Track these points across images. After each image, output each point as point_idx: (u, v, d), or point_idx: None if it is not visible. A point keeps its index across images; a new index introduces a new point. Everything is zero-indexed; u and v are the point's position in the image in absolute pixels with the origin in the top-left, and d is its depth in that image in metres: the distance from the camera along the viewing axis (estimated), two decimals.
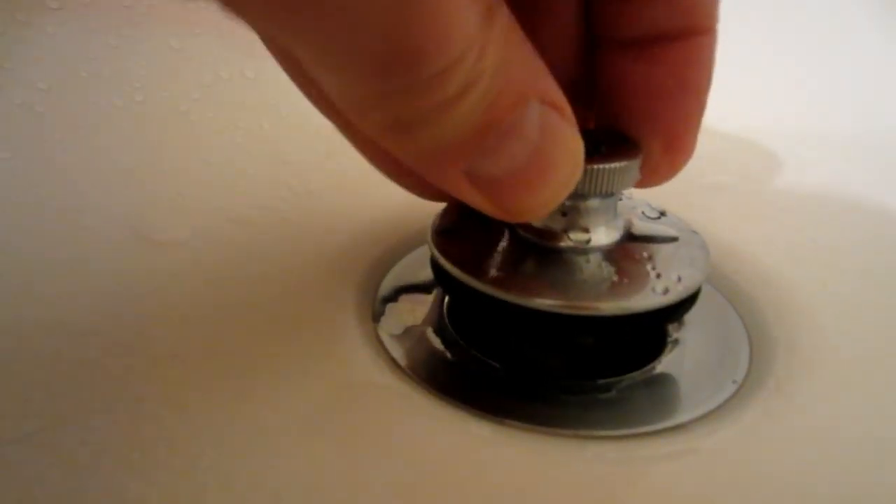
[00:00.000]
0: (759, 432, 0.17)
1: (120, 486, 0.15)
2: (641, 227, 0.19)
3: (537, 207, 0.15)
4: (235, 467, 0.16)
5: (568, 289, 0.17)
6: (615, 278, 0.17)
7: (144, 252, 0.21)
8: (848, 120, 0.30)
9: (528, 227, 0.18)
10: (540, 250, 0.18)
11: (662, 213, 0.20)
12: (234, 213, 0.23)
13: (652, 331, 0.20)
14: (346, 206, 0.23)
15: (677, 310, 0.18)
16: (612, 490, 0.16)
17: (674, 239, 0.19)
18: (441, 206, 0.20)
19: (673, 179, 0.18)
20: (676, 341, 0.20)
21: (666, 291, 0.17)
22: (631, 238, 0.19)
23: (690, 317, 0.20)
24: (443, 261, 0.18)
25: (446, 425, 0.17)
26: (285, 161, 0.25)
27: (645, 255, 0.18)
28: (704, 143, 0.28)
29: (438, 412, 0.18)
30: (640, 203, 0.20)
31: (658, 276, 0.17)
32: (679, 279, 0.17)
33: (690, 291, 0.17)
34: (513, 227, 0.19)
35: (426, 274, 0.20)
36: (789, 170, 0.27)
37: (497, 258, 0.18)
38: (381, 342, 0.19)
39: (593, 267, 0.18)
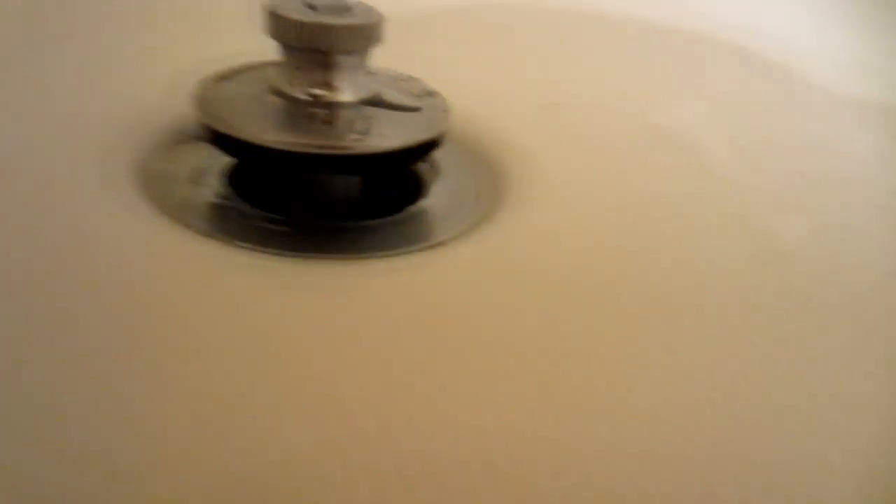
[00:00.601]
0: (496, 243, 0.21)
1: None
2: (393, 97, 0.22)
3: None
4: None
5: (300, 133, 0.20)
6: (337, 129, 0.20)
7: None
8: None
9: (282, 82, 0.21)
10: (287, 102, 0.21)
11: (431, 94, 0.23)
12: None
13: (406, 181, 0.23)
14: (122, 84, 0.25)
15: (370, 160, 0.20)
16: (378, 294, 0.19)
17: (416, 109, 0.22)
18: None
19: None
20: (431, 188, 0.23)
21: (361, 143, 0.20)
22: (375, 103, 0.22)
23: (443, 169, 0.23)
24: (199, 113, 0.20)
25: (213, 257, 0.19)
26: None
27: (370, 115, 0.21)
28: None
29: (206, 249, 0.19)
30: (413, 80, 0.23)
31: (366, 131, 0.20)
32: (381, 135, 0.20)
33: (382, 149, 0.20)
34: (272, 85, 0.21)
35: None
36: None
37: (250, 108, 0.21)
38: (153, 198, 0.21)
39: (324, 117, 0.20)
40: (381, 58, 0.22)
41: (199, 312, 0.18)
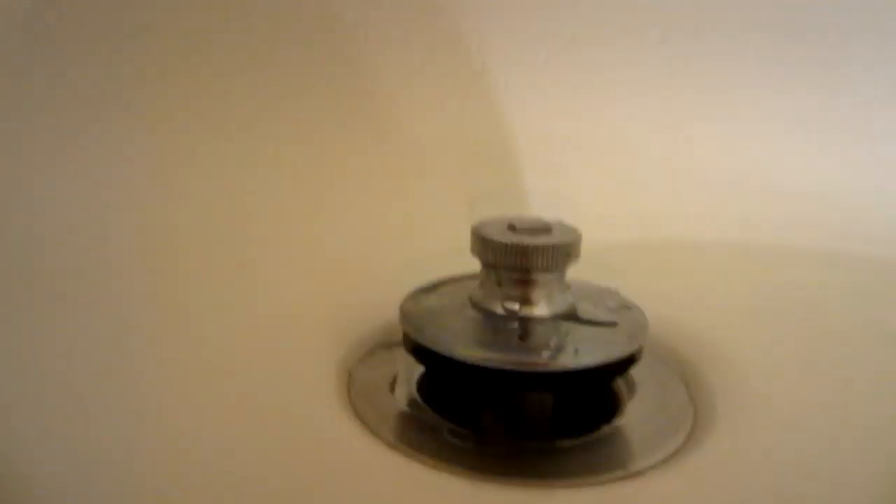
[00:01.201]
0: (705, 475, 0.19)
1: None
2: (589, 312, 0.22)
3: None
4: None
5: (493, 348, 0.20)
6: (530, 344, 0.20)
7: None
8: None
9: (481, 296, 0.22)
10: (484, 316, 0.21)
11: (628, 307, 0.23)
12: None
13: (600, 397, 0.22)
14: (330, 285, 0.27)
15: (563, 378, 0.20)
16: None
17: (613, 324, 0.22)
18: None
19: None
20: (627, 405, 0.22)
21: (555, 359, 0.20)
22: (571, 318, 0.21)
23: (641, 384, 0.22)
24: (402, 323, 0.21)
25: (417, 482, 0.19)
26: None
27: (564, 331, 0.21)
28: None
29: (388, 461, 0.19)
30: (610, 293, 0.23)
31: (560, 348, 0.20)
32: (576, 352, 0.20)
33: (577, 367, 0.20)
34: (472, 298, 0.22)
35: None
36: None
37: (448, 321, 0.21)
38: (351, 404, 0.22)
39: (519, 332, 0.21)
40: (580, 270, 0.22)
41: None
